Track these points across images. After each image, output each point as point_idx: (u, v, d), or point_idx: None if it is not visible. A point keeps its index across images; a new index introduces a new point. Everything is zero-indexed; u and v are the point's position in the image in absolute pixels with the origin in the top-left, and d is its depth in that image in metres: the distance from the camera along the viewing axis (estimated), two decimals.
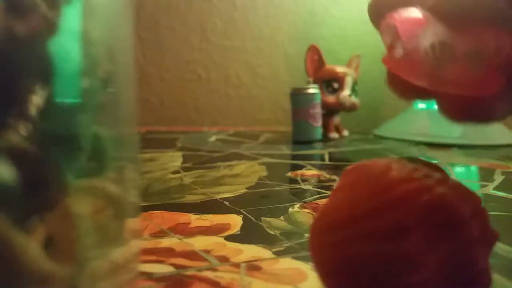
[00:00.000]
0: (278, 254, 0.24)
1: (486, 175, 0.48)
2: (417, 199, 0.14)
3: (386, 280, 0.14)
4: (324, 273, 0.16)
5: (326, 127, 0.84)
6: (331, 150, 0.69)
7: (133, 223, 0.17)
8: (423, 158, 0.20)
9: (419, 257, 0.13)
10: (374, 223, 0.14)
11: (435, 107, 0.17)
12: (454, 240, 0.13)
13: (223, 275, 0.21)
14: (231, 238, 0.27)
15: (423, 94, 0.17)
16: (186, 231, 0.28)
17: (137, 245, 0.18)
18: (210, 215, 0.32)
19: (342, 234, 0.15)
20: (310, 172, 0.49)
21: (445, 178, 0.15)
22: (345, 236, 0.15)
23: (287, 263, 0.23)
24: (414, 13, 0.16)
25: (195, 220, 0.31)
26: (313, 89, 0.77)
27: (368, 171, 0.16)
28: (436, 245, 0.13)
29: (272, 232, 0.28)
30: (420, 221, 0.13)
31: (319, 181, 0.44)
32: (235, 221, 0.30)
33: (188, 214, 0.32)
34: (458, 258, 0.13)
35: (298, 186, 0.42)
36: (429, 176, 0.15)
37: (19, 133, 0.11)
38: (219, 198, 0.37)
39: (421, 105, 0.87)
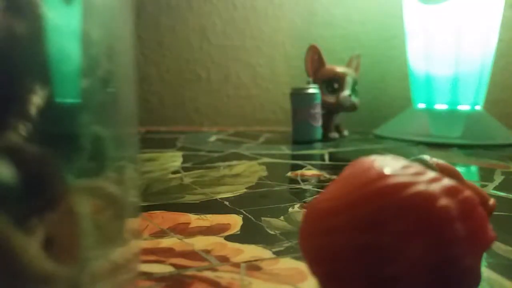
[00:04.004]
0: (278, 254, 0.24)
1: (486, 175, 0.48)
2: (395, 194, 0.14)
3: (360, 270, 0.14)
4: (309, 260, 0.16)
5: (326, 127, 0.84)
6: (331, 150, 0.69)
7: (133, 223, 0.17)
8: (425, 157, 0.20)
9: (393, 250, 0.14)
10: (351, 215, 0.15)
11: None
12: (433, 237, 0.14)
13: (223, 275, 0.21)
14: (231, 238, 0.27)
15: None
16: (186, 231, 0.28)
17: (137, 245, 0.18)
18: (210, 215, 0.32)
19: (325, 224, 0.15)
20: (310, 172, 0.49)
21: (439, 177, 0.15)
22: (327, 226, 0.15)
23: (287, 263, 0.23)
24: None
25: (195, 220, 0.31)
26: (313, 89, 0.77)
27: (359, 166, 0.16)
28: (412, 240, 0.14)
29: (272, 232, 0.28)
30: (396, 215, 0.14)
31: (319, 181, 0.44)
32: (235, 221, 0.30)
33: (188, 214, 0.32)
34: (437, 255, 0.14)
35: (298, 186, 0.42)
36: (420, 173, 0.15)
37: (19, 133, 0.11)
38: (219, 198, 0.37)
39: (421, 105, 0.87)
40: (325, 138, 0.83)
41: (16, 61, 0.11)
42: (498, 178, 0.46)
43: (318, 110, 0.77)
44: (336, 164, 0.55)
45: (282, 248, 0.25)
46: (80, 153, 0.13)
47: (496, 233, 0.15)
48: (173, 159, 0.58)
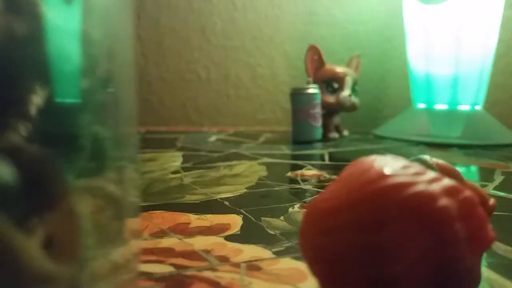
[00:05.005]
0: (278, 254, 0.24)
1: (486, 175, 0.48)
2: (395, 194, 0.14)
3: (360, 270, 0.14)
4: (309, 260, 0.16)
5: (326, 127, 0.84)
6: (331, 150, 0.69)
7: (133, 223, 0.17)
8: (424, 157, 0.20)
9: (394, 251, 0.14)
10: (351, 215, 0.15)
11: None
12: (433, 237, 0.14)
13: (223, 275, 0.21)
14: (231, 238, 0.27)
15: None
16: (186, 231, 0.28)
17: (137, 245, 0.18)
18: (210, 215, 0.32)
19: (325, 224, 0.15)
20: (310, 172, 0.49)
21: (439, 177, 0.15)
22: (327, 226, 0.15)
23: (287, 263, 0.23)
24: None
25: (195, 220, 0.31)
26: (313, 89, 0.77)
27: (359, 166, 0.16)
28: (413, 240, 0.14)
29: (272, 232, 0.28)
30: (396, 215, 0.14)
31: (319, 181, 0.44)
32: (235, 221, 0.30)
33: (188, 214, 0.32)
34: (438, 255, 0.14)
35: (298, 186, 0.42)
36: (420, 173, 0.15)
37: (19, 133, 0.11)
38: (219, 198, 0.37)
39: (421, 105, 0.87)
40: (325, 138, 0.83)
41: (16, 61, 0.11)
42: (498, 178, 0.46)
43: (318, 110, 0.77)
44: (336, 164, 0.55)
45: (282, 248, 0.25)
46: (80, 153, 0.13)
47: (496, 233, 0.15)
48: (173, 159, 0.58)
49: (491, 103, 0.95)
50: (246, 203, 0.35)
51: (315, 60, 0.85)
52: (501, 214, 0.32)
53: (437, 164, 0.20)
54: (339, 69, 0.84)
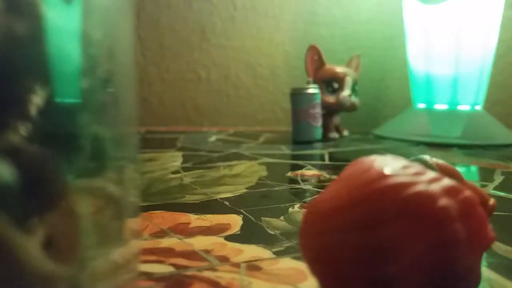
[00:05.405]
0: (278, 254, 0.24)
1: (486, 175, 0.48)
2: (395, 194, 0.14)
3: (360, 270, 0.14)
4: (309, 260, 0.16)
5: (326, 127, 0.84)
6: (331, 150, 0.69)
7: (133, 223, 0.17)
8: (424, 157, 0.20)
9: (393, 250, 0.14)
10: (351, 215, 0.15)
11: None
12: (433, 237, 0.14)
13: (223, 275, 0.21)
14: (231, 238, 0.27)
15: None
16: (186, 231, 0.28)
17: (137, 245, 0.18)
18: (210, 215, 0.32)
19: (325, 224, 0.15)
20: (310, 172, 0.49)
21: (439, 177, 0.15)
22: (327, 226, 0.15)
23: (287, 263, 0.23)
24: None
25: (195, 220, 0.31)
26: (313, 89, 0.77)
27: (359, 166, 0.16)
28: (412, 240, 0.14)
29: (272, 232, 0.28)
30: (396, 215, 0.14)
31: (319, 181, 0.44)
32: (235, 221, 0.30)
33: (188, 214, 0.32)
34: (438, 255, 0.14)
35: (298, 186, 0.42)
36: (420, 173, 0.15)
37: (19, 133, 0.11)
38: (219, 198, 0.37)
39: (421, 105, 0.87)
40: (325, 138, 0.83)
41: (16, 61, 0.11)
42: (498, 178, 0.46)
43: (318, 110, 0.77)
44: (336, 164, 0.55)
45: (282, 248, 0.25)
46: (80, 153, 0.13)
47: (496, 233, 0.15)
48: (173, 159, 0.58)
49: (491, 103, 0.95)
50: (246, 203, 0.35)
51: (315, 60, 0.85)
52: (501, 214, 0.32)
53: (437, 164, 0.20)
54: (339, 69, 0.84)
